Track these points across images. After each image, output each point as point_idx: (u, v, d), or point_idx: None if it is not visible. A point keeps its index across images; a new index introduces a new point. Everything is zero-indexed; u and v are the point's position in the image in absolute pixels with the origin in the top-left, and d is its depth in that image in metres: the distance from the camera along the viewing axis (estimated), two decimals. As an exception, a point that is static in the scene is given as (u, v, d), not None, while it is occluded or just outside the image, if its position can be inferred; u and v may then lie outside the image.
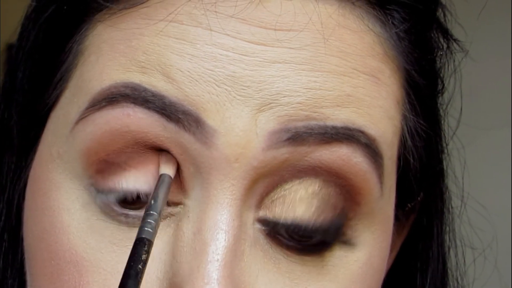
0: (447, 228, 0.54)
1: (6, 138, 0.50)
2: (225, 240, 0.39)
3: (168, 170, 0.41)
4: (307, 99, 0.40)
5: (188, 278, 0.39)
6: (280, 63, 0.40)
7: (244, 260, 0.40)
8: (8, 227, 0.49)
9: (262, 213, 0.41)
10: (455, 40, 0.49)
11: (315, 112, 0.40)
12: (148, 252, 0.39)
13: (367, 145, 0.41)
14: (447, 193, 0.54)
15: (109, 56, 0.42)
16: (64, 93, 0.44)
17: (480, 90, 0.52)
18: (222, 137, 0.40)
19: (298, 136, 0.40)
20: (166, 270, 0.40)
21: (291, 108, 0.40)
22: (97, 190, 0.42)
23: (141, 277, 0.38)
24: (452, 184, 0.55)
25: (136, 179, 0.41)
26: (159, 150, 0.41)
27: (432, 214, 0.53)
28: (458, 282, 0.56)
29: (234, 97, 0.40)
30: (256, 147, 0.40)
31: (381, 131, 0.42)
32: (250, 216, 0.41)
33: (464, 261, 0.56)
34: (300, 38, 0.40)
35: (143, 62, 0.41)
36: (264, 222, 0.41)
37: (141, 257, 0.38)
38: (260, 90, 0.40)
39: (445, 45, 0.48)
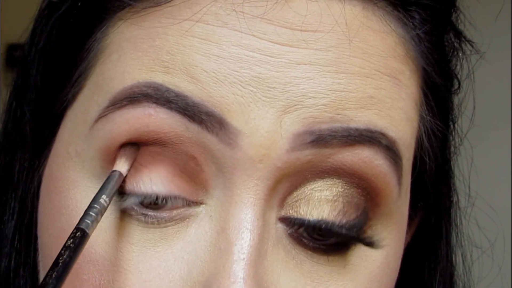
0: (454, 227, 0.54)
1: (18, 136, 0.49)
2: (250, 239, 0.40)
3: (121, 167, 0.41)
4: (331, 101, 0.40)
5: (214, 277, 0.39)
6: (305, 64, 0.40)
7: (267, 259, 0.41)
8: (21, 226, 0.49)
9: (284, 212, 0.42)
10: (468, 41, 0.49)
11: (338, 114, 0.40)
12: (80, 242, 0.39)
13: (388, 148, 0.42)
14: (455, 192, 0.54)
15: (131, 55, 0.41)
16: (83, 91, 0.44)
17: (487, 90, 0.52)
18: (247, 138, 0.40)
19: (322, 139, 0.40)
20: (190, 269, 0.40)
21: (315, 110, 0.40)
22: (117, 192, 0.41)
23: (69, 265, 0.38)
24: (459, 184, 0.55)
25: (152, 180, 0.41)
26: (121, 146, 0.41)
27: (440, 212, 0.53)
28: (465, 281, 0.56)
29: (260, 98, 0.40)
30: (280, 148, 0.40)
31: (401, 133, 0.42)
32: (273, 216, 0.41)
33: (472, 260, 0.56)
34: (326, 39, 0.40)
35: (167, 62, 0.40)
36: (287, 221, 0.42)
37: (70, 246, 0.38)
38: (285, 91, 0.40)
39: (458, 46, 0.49)
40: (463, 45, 0.49)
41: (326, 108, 0.40)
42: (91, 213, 0.40)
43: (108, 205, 0.41)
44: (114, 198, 0.41)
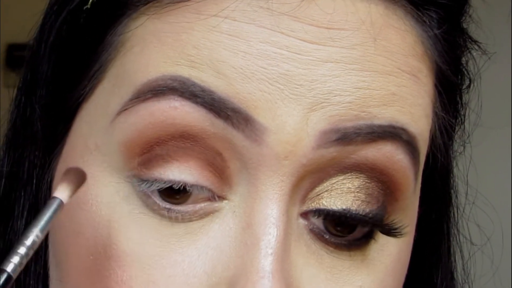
0: (454, 224, 0.55)
1: (28, 132, 0.49)
2: (276, 234, 0.40)
3: (62, 193, 0.39)
4: (356, 99, 0.41)
5: (241, 272, 0.39)
6: (331, 62, 0.40)
7: (291, 254, 0.41)
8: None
9: (306, 207, 0.42)
10: (475, 42, 0.50)
11: (363, 112, 0.41)
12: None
13: (409, 143, 0.42)
14: (455, 189, 0.54)
15: (155, 48, 0.41)
16: (102, 84, 0.44)
17: (486, 88, 0.52)
18: (273, 134, 0.40)
19: (347, 137, 0.41)
20: (214, 265, 0.40)
21: (341, 107, 0.40)
22: (141, 180, 0.41)
23: None
24: (458, 181, 0.55)
25: (180, 171, 0.41)
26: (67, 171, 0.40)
27: (441, 209, 0.54)
28: (464, 278, 0.56)
29: (287, 95, 0.40)
30: (306, 145, 0.40)
31: (420, 129, 0.43)
32: (295, 211, 0.42)
33: (470, 257, 0.57)
34: (351, 37, 0.41)
35: (193, 56, 0.40)
36: (310, 214, 0.42)
37: None
38: (312, 89, 0.40)
39: (466, 46, 0.49)
40: (469, 44, 0.49)
41: (351, 106, 0.41)
42: (19, 251, 0.36)
43: (41, 240, 0.37)
44: (136, 188, 0.41)
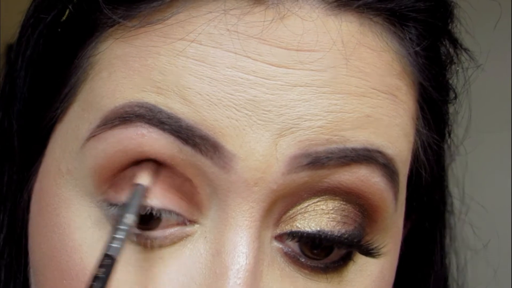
0: (448, 231, 0.54)
1: (5, 147, 0.48)
2: (245, 263, 0.39)
3: (144, 179, 0.40)
4: (327, 123, 0.40)
5: None
6: (301, 86, 0.39)
7: (262, 280, 0.40)
8: (10, 239, 0.48)
9: (280, 230, 0.41)
10: (465, 50, 0.48)
11: (335, 136, 0.40)
12: (109, 270, 0.38)
13: (385, 165, 0.41)
14: (449, 196, 0.54)
15: (122, 73, 0.41)
16: (72, 107, 0.43)
17: (481, 93, 0.52)
18: (242, 161, 0.39)
19: (319, 161, 0.40)
20: None
21: (312, 132, 0.39)
22: (110, 204, 0.41)
23: None
24: (453, 187, 0.55)
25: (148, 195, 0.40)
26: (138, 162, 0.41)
27: (434, 217, 0.53)
28: (458, 285, 0.56)
29: (255, 121, 0.39)
30: (276, 171, 0.39)
31: (398, 149, 0.42)
32: (268, 235, 0.41)
33: (465, 263, 0.57)
34: (322, 59, 0.40)
35: (159, 82, 0.40)
36: (284, 237, 0.41)
37: (100, 276, 0.38)
38: (281, 114, 0.39)
39: (454, 55, 0.48)
40: (458, 52, 0.48)
41: (323, 130, 0.40)
42: (117, 236, 0.39)
43: (134, 222, 0.40)
44: (107, 212, 0.41)
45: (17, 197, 0.48)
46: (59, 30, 0.44)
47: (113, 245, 0.39)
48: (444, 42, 0.47)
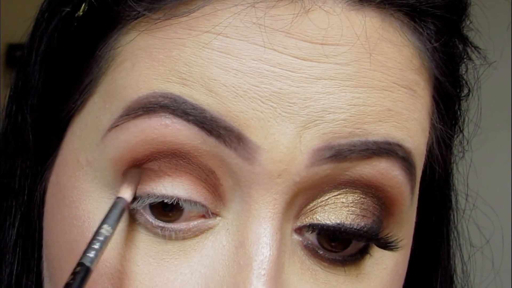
0: (453, 228, 0.55)
1: (19, 142, 0.48)
2: (269, 254, 0.39)
3: (126, 194, 0.40)
4: (350, 116, 0.40)
5: None
6: (325, 79, 0.40)
7: (284, 272, 0.41)
8: (24, 234, 0.48)
9: (300, 223, 0.42)
10: (475, 47, 0.49)
11: (357, 129, 0.40)
12: (83, 278, 0.38)
13: (404, 159, 0.42)
14: (455, 192, 0.54)
15: (146, 64, 0.41)
16: (92, 98, 0.43)
17: (486, 91, 0.52)
18: (266, 153, 0.39)
19: (341, 154, 0.40)
20: (207, 284, 0.40)
21: (335, 125, 0.40)
22: (133, 198, 0.41)
23: None
24: (458, 185, 0.55)
25: (173, 186, 0.40)
26: (125, 171, 0.41)
27: (441, 214, 0.54)
28: (464, 282, 0.56)
29: (280, 113, 0.39)
30: (300, 164, 0.40)
31: (416, 143, 0.43)
32: (289, 227, 0.41)
33: (470, 261, 0.57)
34: (346, 53, 0.40)
35: (184, 73, 0.40)
36: (304, 230, 0.42)
37: (70, 283, 0.38)
38: (306, 107, 0.40)
39: (464, 53, 0.49)
40: (468, 50, 0.49)
41: (346, 123, 0.40)
42: (94, 246, 0.39)
43: (111, 235, 0.40)
44: (129, 205, 0.41)
45: (31, 192, 0.48)
46: (78, 23, 0.44)
47: (89, 254, 0.39)
48: (458, 39, 0.47)
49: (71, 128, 0.44)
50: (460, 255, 0.56)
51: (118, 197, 0.40)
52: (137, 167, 0.41)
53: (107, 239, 0.39)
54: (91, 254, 0.39)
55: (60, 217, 0.43)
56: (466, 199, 0.57)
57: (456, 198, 0.54)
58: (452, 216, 0.55)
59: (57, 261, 0.44)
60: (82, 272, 0.38)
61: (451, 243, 0.55)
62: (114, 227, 0.40)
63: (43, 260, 0.47)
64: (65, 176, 0.44)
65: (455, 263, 0.56)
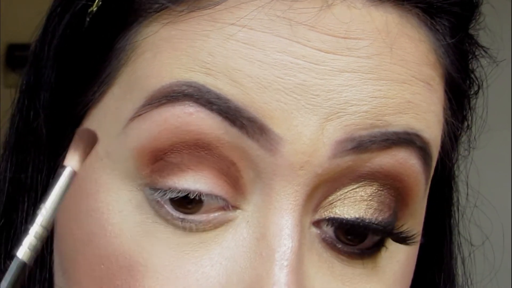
0: (455, 226, 0.55)
1: (31, 137, 0.48)
2: (291, 245, 0.40)
3: (71, 161, 0.38)
4: (372, 108, 0.41)
5: (256, 284, 0.39)
6: (348, 72, 0.40)
7: (304, 264, 0.41)
8: None
9: (318, 216, 0.42)
10: (482, 47, 0.50)
11: (379, 120, 0.41)
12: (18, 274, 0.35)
13: (422, 148, 0.42)
14: (457, 190, 0.54)
15: (169, 54, 0.41)
16: (111, 90, 0.43)
17: (487, 91, 0.52)
18: (289, 144, 0.40)
19: (362, 145, 0.41)
20: (228, 275, 0.40)
21: (357, 117, 0.40)
22: (154, 189, 0.41)
23: None
24: (459, 183, 0.55)
25: (195, 180, 0.41)
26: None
27: (445, 210, 0.54)
28: (465, 279, 0.56)
29: (303, 105, 0.40)
30: (322, 155, 0.40)
31: (433, 135, 0.43)
32: (308, 220, 0.42)
33: (470, 258, 0.57)
34: (368, 46, 0.41)
35: (208, 63, 0.40)
36: (322, 223, 0.42)
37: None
38: (329, 99, 0.40)
39: (473, 51, 0.49)
40: (476, 50, 0.49)
41: (367, 115, 0.41)
42: (29, 232, 0.36)
43: (53, 217, 0.36)
44: (149, 197, 0.41)
45: (44, 187, 0.47)
46: (94, 17, 0.44)
47: (23, 243, 0.36)
48: (469, 36, 0.48)
49: (87, 121, 0.44)
50: (461, 253, 0.56)
51: (63, 166, 0.38)
52: (159, 160, 0.41)
53: (47, 223, 0.36)
54: (26, 242, 0.35)
55: (76, 210, 0.43)
56: (467, 198, 0.57)
57: (458, 197, 0.55)
58: (454, 214, 0.55)
59: (72, 254, 0.44)
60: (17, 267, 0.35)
61: (454, 241, 0.55)
62: (56, 207, 0.36)
63: (53, 254, 0.47)
64: (82, 169, 0.43)
65: (456, 261, 0.56)
